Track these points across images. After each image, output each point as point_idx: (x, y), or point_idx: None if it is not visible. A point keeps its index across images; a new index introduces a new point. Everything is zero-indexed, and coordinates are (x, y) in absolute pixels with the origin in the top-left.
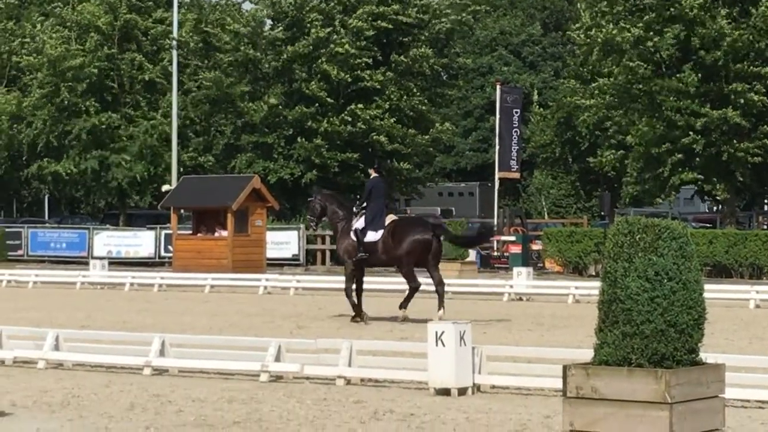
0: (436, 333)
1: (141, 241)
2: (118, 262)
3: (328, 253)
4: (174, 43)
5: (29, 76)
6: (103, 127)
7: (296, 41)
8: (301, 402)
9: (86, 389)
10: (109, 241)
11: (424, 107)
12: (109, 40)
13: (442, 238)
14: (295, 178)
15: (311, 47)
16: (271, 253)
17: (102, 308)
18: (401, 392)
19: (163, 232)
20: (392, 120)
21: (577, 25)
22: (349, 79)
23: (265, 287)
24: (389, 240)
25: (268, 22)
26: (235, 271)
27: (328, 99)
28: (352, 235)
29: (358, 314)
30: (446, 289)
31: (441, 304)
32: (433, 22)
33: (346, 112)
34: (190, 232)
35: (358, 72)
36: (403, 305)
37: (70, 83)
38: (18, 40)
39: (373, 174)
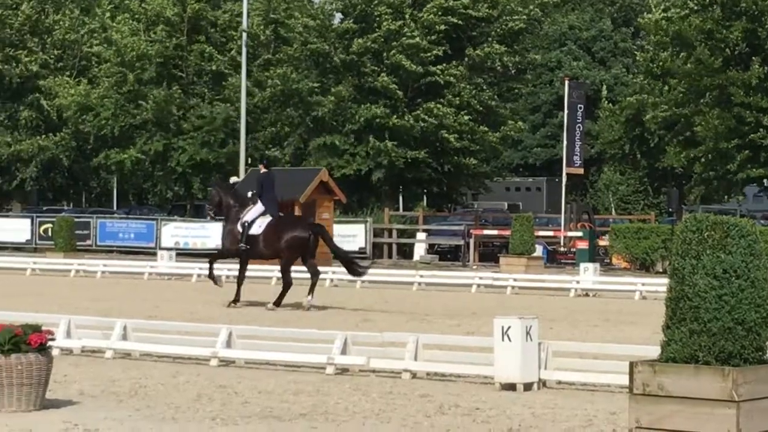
0: (503, 328)
1: (208, 233)
2: (185, 253)
3: (394, 247)
4: (243, 33)
5: (98, 66)
6: (170, 116)
7: (365, 34)
8: (366, 395)
9: (153, 379)
10: (176, 232)
11: (493, 102)
12: (178, 31)
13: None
14: (362, 173)
15: (383, 39)
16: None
17: (169, 299)
18: (467, 387)
19: None
20: (466, 117)
21: (648, 16)
22: (421, 71)
23: (332, 280)
24: (270, 234)
25: (338, 15)
26: (301, 264)
27: (398, 92)
28: (238, 225)
29: (213, 280)
30: (513, 283)
31: (311, 291)
32: (503, 18)
33: (420, 110)
34: None
35: (429, 66)
36: (277, 301)
37: (137, 73)
38: (87, 30)
39: (263, 169)
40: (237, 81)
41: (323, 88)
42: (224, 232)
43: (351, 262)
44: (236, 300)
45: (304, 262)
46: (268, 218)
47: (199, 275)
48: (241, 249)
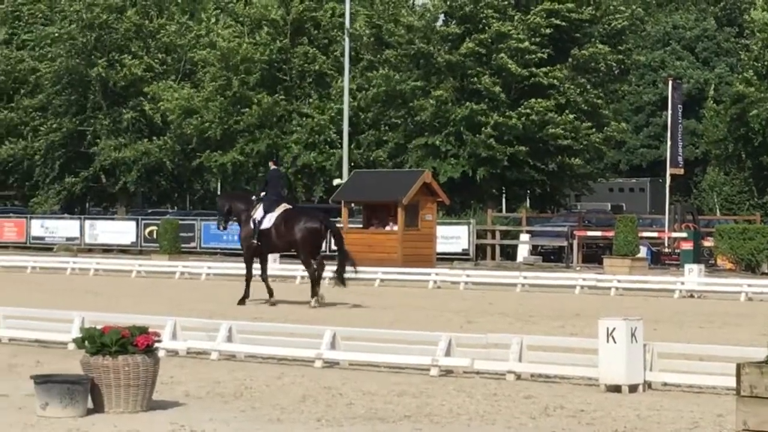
0: (608, 329)
1: None
2: (289, 255)
3: (498, 249)
4: (347, 34)
5: (203, 70)
6: (274, 118)
7: (469, 36)
8: (471, 396)
9: (258, 380)
10: None
11: (599, 100)
12: (282, 33)
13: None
14: (465, 174)
15: (490, 41)
16: (441, 247)
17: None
18: (571, 388)
19: None
20: (571, 116)
21: (755, 13)
22: (525, 73)
23: (435, 281)
24: (282, 226)
25: (441, 17)
26: (404, 265)
27: (501, 94)
28: (251, 223)
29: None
30: (617, 285)
31: (314, 291)
32: (606, 18)
33: (522, 106)
34: (361, 225)
35: (533, 68)
36: (313, 294)
37: (242, 76)
38: (193, 35)
39: (273, 166)
40: (340, 83)
41: (425, 90)
42: (241, 236)
43: (343, 268)
44: (270, 296)
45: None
46: (277, 212)
47: (302, 277)
48: (253, 244)
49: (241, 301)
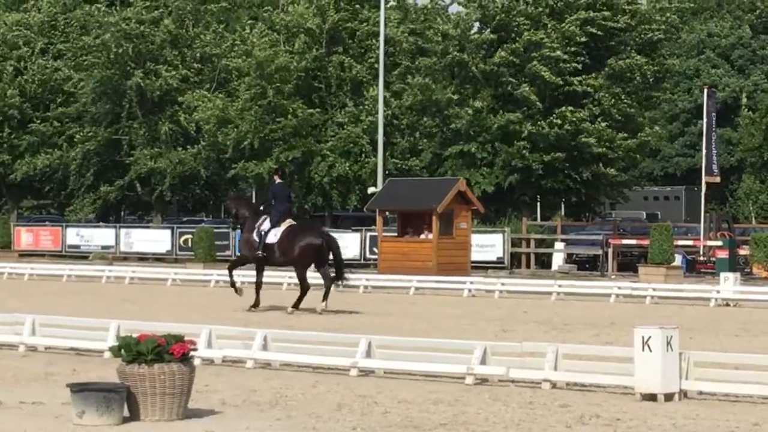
0: (643, 338)
1: (346, 243)
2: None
3: (532, 257)
4: (381, 43)
5: (237, 80)
6: (309, 127)
7: (503, 44)
8: (506, 405)
9: (294, 389)
10: None
11: (633, 110)
12: (317, 42)
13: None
14: (499, 185)
15: (522, 50)
16: (476, 255)
17: (308, 309)
18: (607, 397)
19: (368, 233)
20: (603, 124)
21: None
22: (560, 81)
23: (470, 290)
24: (285, 242)
25: (476, 25)
26: (439, 274)
27: (537, 103)
28: (254, 235)
29: (234, 287)
30: (652, 293)
31: (325, 297)
32: (642, 27)
33: (554, 115)
34: (396, 234)
35: (567, 76)
36: (295, 305)
37: (277, 85)
38: (228, 44)
39: (277, 179)
40: (375, 91)
41: (461, 98)
42: (242, 240)
43: (330, 288)
44: (256, 305)
45: (318, 269)
46: (282, 227)
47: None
48: (258, 257)
49: (253, 308)
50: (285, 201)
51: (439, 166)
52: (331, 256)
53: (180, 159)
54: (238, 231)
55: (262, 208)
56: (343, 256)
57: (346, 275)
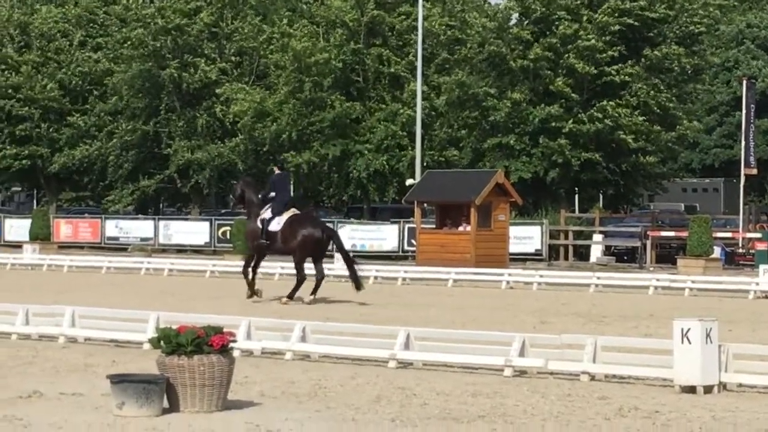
0: (683, 330)
1: (384, 235)
2: (361, 255)
3: (571, 249)
4: (419, 37)
5: (275, 73)
6: (347, 120)
7: (542, 38)
8: (545, 397)
9: (332, 381)
10: (353, 234)
11: (671, 104)
12: (355, 36)
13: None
14: (538, 175)
15: (558, 43)
16: (514, 247)
17: (346, 301)
18: (646, 389)
19: (407, 225)
20: (640, 118)
21: None
22: (595, 72)
23: (508, 282)
24: (287, 231)
25: (514, 17)
26: (477, 266)
27: (573, 95)
28: (258, 222)
29: (253, 292)
30: (691, 285)
31: (315, 290)
32: (681, 18)
33: (594, 109)
34: (434, 226)
35: (604, 67)
36: (290, 296)
37: (315, 78)
38: (265, 37)
39: (277, 170)
40: (414, 86)
41: (500, 91)
42: (247, 231)
43: (355, 273)
44: (255, 292)
45: (314, 262)
46: (285, 216)
47: (375, 277)
48: (262, 244)
49: (251, 296)
50: (286, 189)
51: (478, 159)
52: (336, 251)
53: (218, 152)
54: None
55: (260, 197)
56: (384, 249)
57: (357, 263)
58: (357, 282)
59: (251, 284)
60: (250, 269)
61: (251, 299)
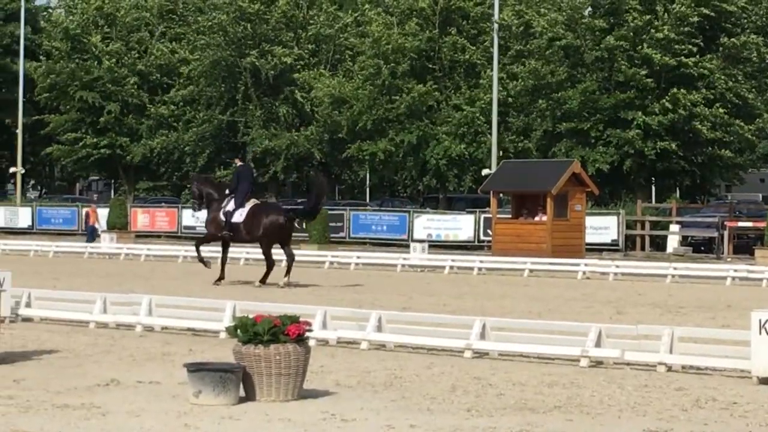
0: (760, 321)
1: (460, 225)
2: (437, 245)
3: (647, 239)
4: (495, 26)
5: (351, 60)
6: (423, 108)
7: (615, 29)
8: (621, 388)
9: (408, 370)
10: (428, 224)
11: (750, 95)
12: (430, 24)
13: (295, 221)
14: (614, 165)
15: (632, 33)
16: (590, 238)
17: (422, 291)
18: (723, 380)
19: (483, 215)
20: (721, 110)
21: None
22: (673, 63)
23: (584, 272)
24: (250, 221)
25: (588, 8)
26: (553, 256)
27: (648, 81)
28: (221, 214)
29: (221, 277)
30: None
31: (287, 273)
32: (763, 10)
33: (667, 98)
34: (510, 216)
35: (681, 58)
36: (262, 280)
37: (392, 64)
38: (341, 24)
39: (239, 163)
40: (489, 73)
41: (573, 81)
42: (207, 219)
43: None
44: (221, 279)
45: (282, 247)
46: (247, 207)
47: (451, 267)
48: (225, 236)
49: (217, 282)
50: (248, 182)
51: (552, 145)
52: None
53: (293, 140)
54: (204, 212)
55: (228, 191)
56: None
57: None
58: (287, 272)
59: (203, 261)
60: (200, 249)
61: (217, 285)
